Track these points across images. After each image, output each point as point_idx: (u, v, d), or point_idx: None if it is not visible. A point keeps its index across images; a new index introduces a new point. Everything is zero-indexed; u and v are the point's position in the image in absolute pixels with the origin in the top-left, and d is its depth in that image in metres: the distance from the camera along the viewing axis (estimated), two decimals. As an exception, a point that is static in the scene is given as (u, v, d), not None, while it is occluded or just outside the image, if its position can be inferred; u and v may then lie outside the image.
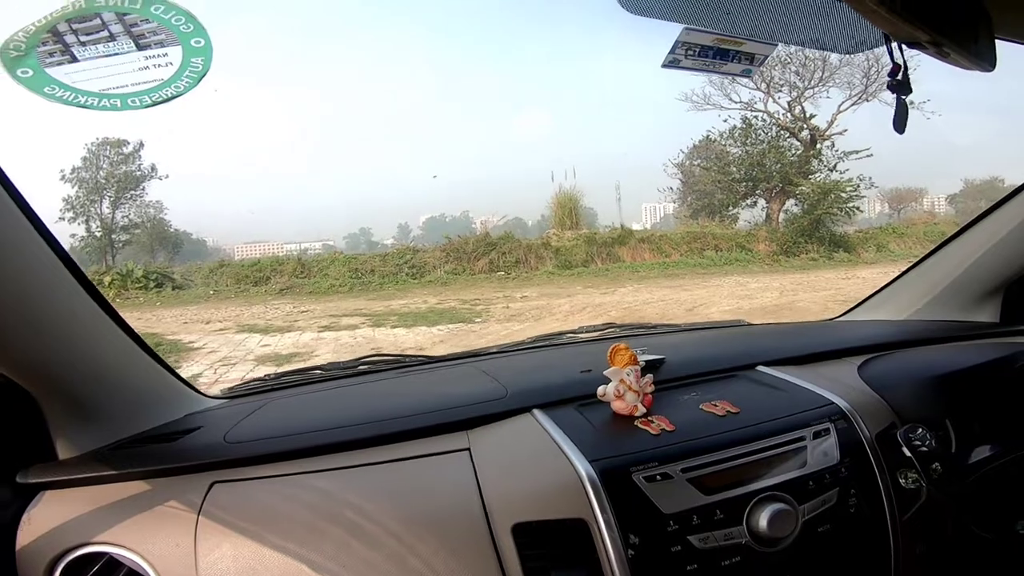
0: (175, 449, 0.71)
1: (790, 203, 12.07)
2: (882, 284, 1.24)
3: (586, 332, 1.20)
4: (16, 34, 0.58)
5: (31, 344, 0.61)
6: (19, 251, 0.57)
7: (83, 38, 0.58)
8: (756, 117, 11.78)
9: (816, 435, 0.71)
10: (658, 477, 0.62)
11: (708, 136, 12.85)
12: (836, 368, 0.90)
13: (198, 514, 0.61)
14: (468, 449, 0.69)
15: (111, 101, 0.60)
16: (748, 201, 12.37)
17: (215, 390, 0.96)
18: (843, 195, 11.04)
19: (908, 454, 0.74)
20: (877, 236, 11.02)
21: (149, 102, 0.61)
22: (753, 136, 11.71)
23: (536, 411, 0.74)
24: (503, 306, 6.87)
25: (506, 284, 9.24)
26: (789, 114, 11.50)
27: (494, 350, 1.14)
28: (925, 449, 0.74)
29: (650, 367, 0.80)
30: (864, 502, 0.70)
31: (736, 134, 12.00)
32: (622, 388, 0.72)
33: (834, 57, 10.89)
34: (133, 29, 0.59)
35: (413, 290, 8.94)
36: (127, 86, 0.60)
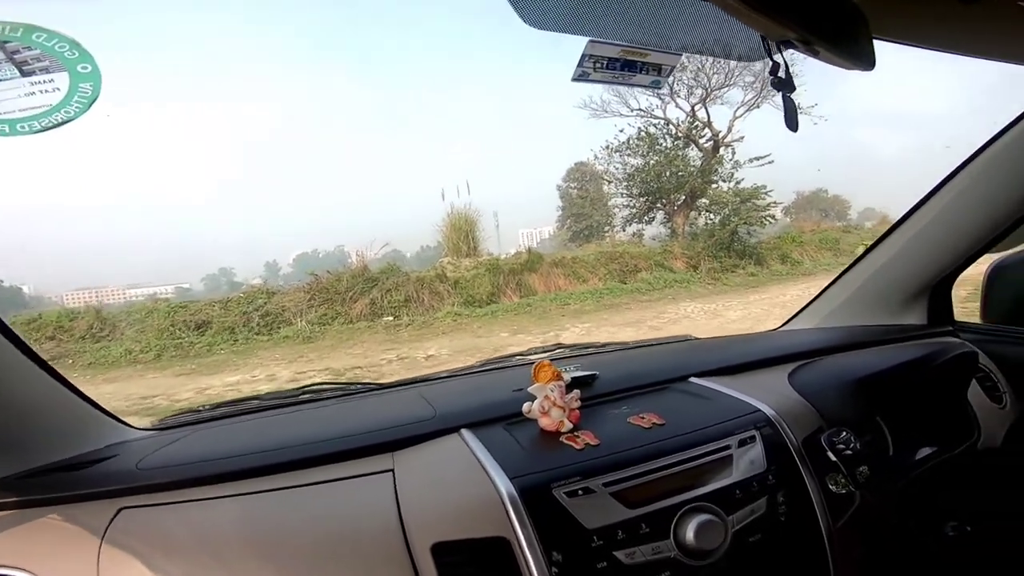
0: (84, 476, 0.75)
1: (694, 215, 12.80)
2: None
3: (536, 353, 1.27)
4: None
5: None
6: None
7: None
8: (655, 125, 12.56)
9: (742, 443, 0.76)
10: (580, 492, 0.66)
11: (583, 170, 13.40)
12: (767, 376, 1.00)
13: (102, 539, 0.65)
14: (392, 470, 0.73)
15: (1, 127, 0.62)
16: (648, 216, 13.15)
17: (147, 422, 0.99)
18: (760, 202, 11.73)
19: (833, 458, 0.79)
20: (779, 245, 12.02)
21: (39, 127, 0.65)
22: (652, 145, 12.45)
23: (464, 431, 0.79)
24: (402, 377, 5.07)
25: (398, 334, 7.89)
26: (692, 118, 12.35)
27: (444, 375, 1.23)
28: (849, 452, 0.80)
29: (580, 383, 0.88)
30: (795, 509, 0.74)
31: (633, 144, 12.68)
32: (547, 404, 0.79)
33: (732, 63, 10.38)
34: (15, 56, 0.63)
35: (259, 352, 7.26)
36: (15, 112, 0.64)
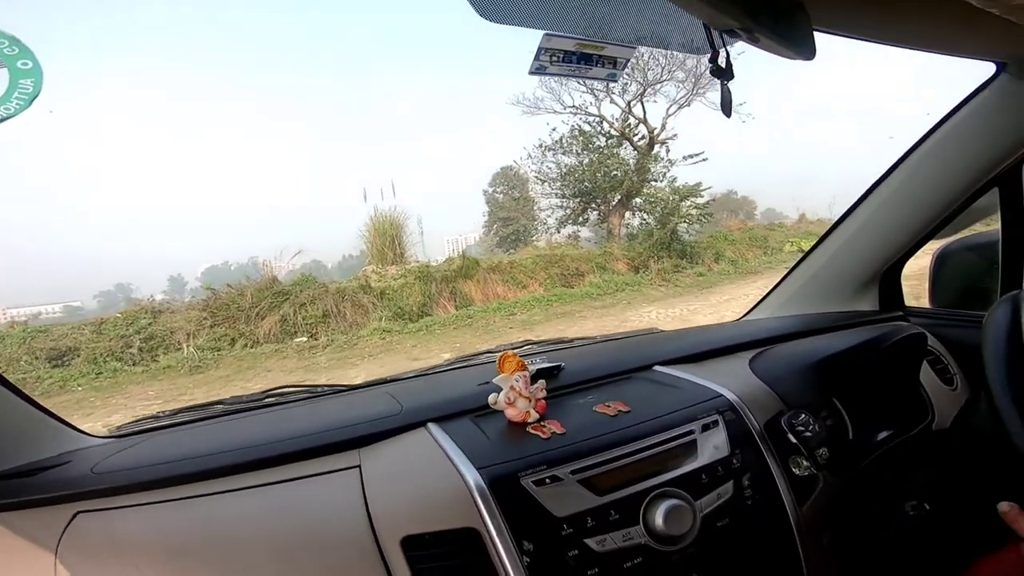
0: (34, 483, 0.76)
1: (629, 215, 13.02)
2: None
3: (503, 350, 1.26)
4: None
5: None
6: None
7: None
8: (589, 123, 12.63)
9: (705, 427, 0.81)
10: (547, 480, 0.69)
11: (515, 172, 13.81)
12: (729, 363, 1.07)
13: (58, 544, 0.66)
14: (358, 466, 0.75)
15: None
16: (583, 217, 13.21)
17: (104, 430, 1.01)
18: (699, 199, 11.91)
19: (793, 440, 0.85)
20: (712, 244, 12.31)
21: None
22: (587, 144, 12.51)
23: (431, 425, 0.82)
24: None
25: (314, 358, 7.01)
26: (628, 114, 12.52)
27: (412, 374, 1.28)
28: (808, 434, 0.85)
29: (546, 374, 0.93)
30: (760, 492, 0.79)
31: (566, 142, 12.70)
32: (512, 395, 0.82)
33: (665, 59, 11.95)
34: None
35: (129, 387, 6.14)
36: None
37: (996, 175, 1.16)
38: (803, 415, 0.87)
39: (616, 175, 12.17)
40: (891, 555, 0.95)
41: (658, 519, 0.69)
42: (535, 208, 13.54)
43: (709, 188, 11.74)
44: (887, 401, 1.00)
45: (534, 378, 0.84)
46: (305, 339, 7.44)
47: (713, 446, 0.79)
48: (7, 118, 0.64)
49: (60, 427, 0.91)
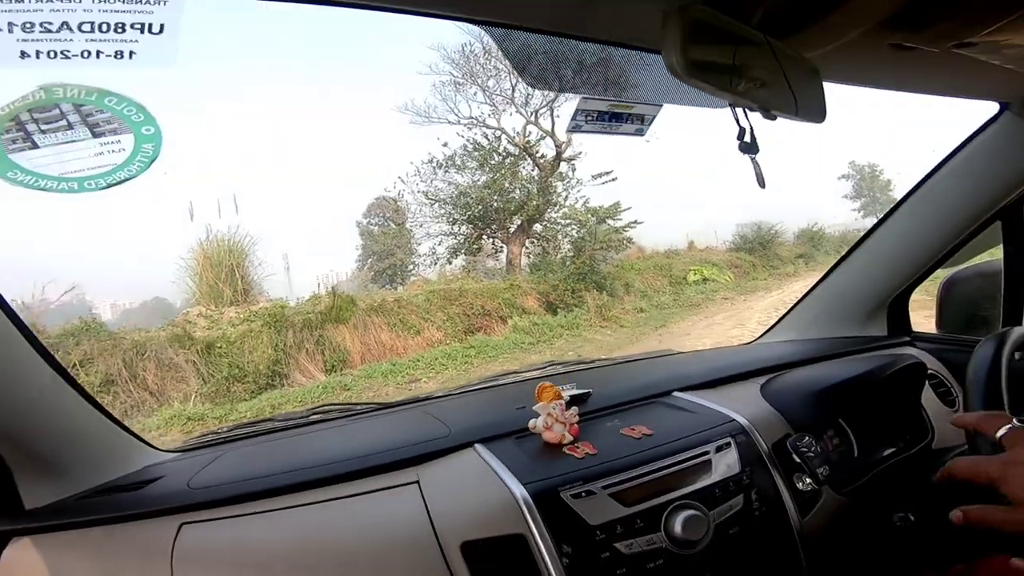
0: (141, 496, 0.91)
1: (530, 242, 12.29)
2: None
3: (528, 371, 1.55)
4: None
5: None
6: None
7: (43, 127, 0.72)
8: (487, 136, 11.87)
9: (719, 449, 1.00)
10: (583, 494, 0.87)
11: (397, 203, 13.14)
12: (742, 389, 1.27)
13: (171, 554, 0.79)
14: (417, 482, 0.93)
15: (69, 184, 0.74)
16: (475, 246, 12.35)
17: (168, 445, 1.19)
18: (617, 222, 11.55)
19: (797, 460, 1.02)
20: (620, 274, 11.77)
21: (104, 184, 0.76)
22: (485, 160, 11.63)
23: (477, 445, 1.01)
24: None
25: None
26: (535, 125, 11.93)
27: (440, 394, 1.50)
28: (811, 454, 1.04)
29: (577, 400, 1.12)
30: (767, 505, 0.97)
31: (458, 160, 11.81)
32: (550, 420, 1.01)
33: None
34: (88, 119, 0.75)
35: None
36: (84, 171, 0.75)
37: (999, 209, 1.35)
38: (806, 438, 1.06)
39: (516, 197, 11.72)
40: (880, 562, 1.11)
41: (677, 527, 0.86)
42: (421, 236, 12.86)
43: (628, 208, 11.13)
44: (889, 422, 1.21)
45: (568, 405, 1.04)
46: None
47: (726, 464, 0.98)
48: (128, 179, 0.75)
49: (135, 442, 1.07)
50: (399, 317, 8.35)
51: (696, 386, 1.25)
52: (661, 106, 1.00)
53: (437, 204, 12.21)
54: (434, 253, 12.60)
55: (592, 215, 11.49)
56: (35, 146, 0.72)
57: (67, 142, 0.72)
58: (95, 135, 0.73)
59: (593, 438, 1.02)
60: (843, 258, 1.61)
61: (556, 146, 11.90)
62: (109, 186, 0.75)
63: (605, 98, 0.95)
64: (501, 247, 12.56)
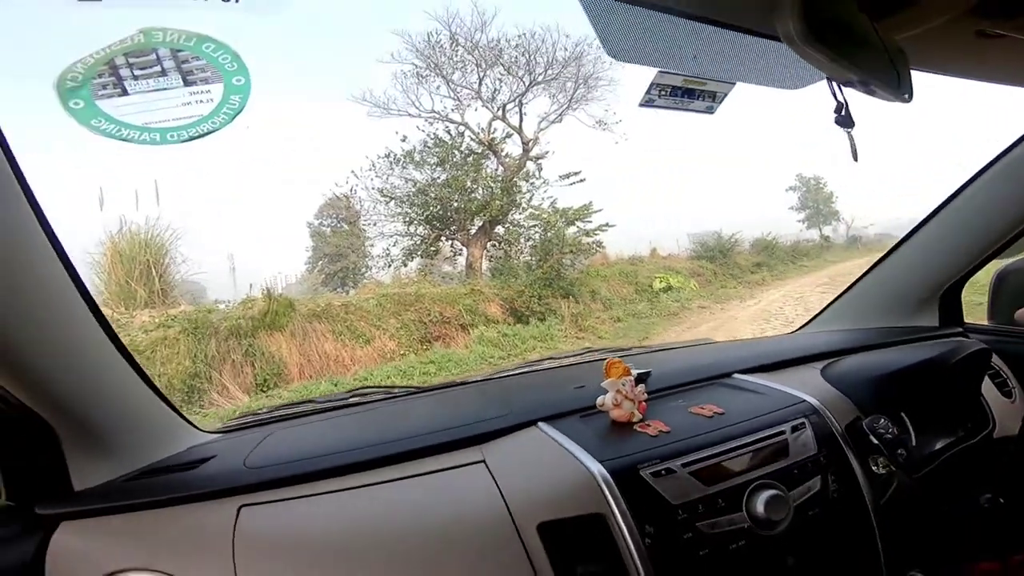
0: (196, 477, 0.89)
1: (491, 244, 11.78)
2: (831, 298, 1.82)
3: (567, 357, 1.54)
4: (74, 64, 0.69)
5: (51, 373, 0.76)
6: (44, 282, 0.73)
7: (137, 72, 0.70)
8: (449, 131, 11.39)
9: (794, 429, 1.01)
10: (663, 472, 0.87)
11: (349, 199, 12.40)
12: (801, 373, 1.28)
13: (233, 537, 0.77)
14: (483, 461, 0.92)
15: (151, 135, 0.71)
16: (432, 247, 11.80)
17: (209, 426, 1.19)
18: (587, 225, 10.99)
19: (875, 441, 1.02)
20: (585, 281, 11.38)
21: (187, 136, 0.73)
22: (446, 156, 11.08)
23: (541, 423, 1.00)
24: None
25: None
26: (502, 120, 11.38)
27: (479, 378, 1.49)
28: (889, 436, 1.03)
29: (639, 379, 1.09)
30: (844, 487, 0.99)
31: (418, 154, 11.20)
32: (619, 397, 0.99)
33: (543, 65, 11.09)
34: (183, 65, 0.72)
35: None
36: (168, 121, 0.72)
37: None
38: (882, 420, 1.06)
39: (478, 197, 11.32)
40: (952, 546, 1.13)
41: (760, 506, 0.87)
42: (375, 236, 12.23)
43: (599, 211, 10.72)
44: (951, 411, 1.23)
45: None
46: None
47: (802, 444, 0.99)
48: (212, 132, 0.70)
49: (180, 422, 1.05)
50: (346, 324, 7.62)
51: (755, 368, 1.26)
52: (734, 84, 1.01)
53: (393, 202, 11.73)
54: (388, 255, 12.14)
55: (560, 216, 11.14)
56: (125, 92, 0.69)
57: (158, 89, 0.70)
58: (187, 83, 0.71)
59: (661, 416, 1.01)
60: (892, 250, 1.66)
61: (523, 143, 11.67)
62: (192, 139, 0.71)
63: (681, 73, 0.96)
64: (461, 250, 12.15)
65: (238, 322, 6.86)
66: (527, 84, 11.24)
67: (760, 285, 14.11)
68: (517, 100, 11.43)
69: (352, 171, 11.67)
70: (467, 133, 11.56)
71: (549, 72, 11.27)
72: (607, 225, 11.34)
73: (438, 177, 11.51)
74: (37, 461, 0.79)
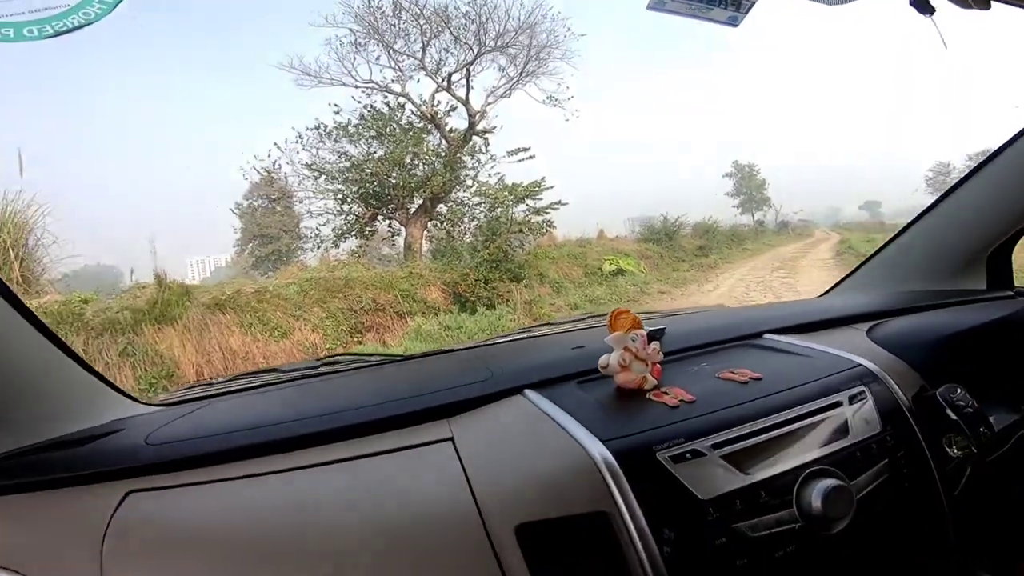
0: (84, 454, 0.76)
1: (434, 223, 10.89)
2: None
3: (567, 322, 1.33)
4: None
5: None
6: None
7: None
8: (388, 104, 10.40)
9: (852, 399, 0.79)
10: (688, 455, 0.67)
11: (272, 175, 10.95)
12: (844, 334, 1.06)
13: (106, 529, 0.64)
14: (451, 439, 0.74)
15: (3, 31, 0.59)
16: (370, 228, 10.82)
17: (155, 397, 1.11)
18: (538, 203, 10.12)
19: (954, 417, 0.81)
20: (533, 263, 10.35)
21: (51, 32, 0.60)
22: (383, 130, 10.00)
23: (528, 391, 0.80)
24: None
25: None
26: (447, 91, 10.52)
27: (469, 344, 1.33)
28: (970, 411, 0.82)
29: (651, 336, 0.87)
30: (916, 475, 0.78)
31: (353, 128, 10.10)
32: (628, 357, 0.78)
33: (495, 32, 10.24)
34: None
35: None
36: (24, 13, 0.59)
37: None
38: (959, 389, 0.87)
39: (418, 173, 10.53)
40: None
41: (816, 500, 0.67)
42: (306, 215, 11.34)
43: (551, 187, 10.12)
44: (1020, 382, 1.04)
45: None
46: None
47: (863, 420, 0.79)
48: (84, 25, 0.60)
49: (110, 393, 0.94)
50: (258, 315, 6.54)
51: (789, 329, 1.05)
52: None
53: (323, 178, 10.88)
54: (318, 235, 11.38)
55: (509, 193, 10.49)
56: None
57: None
58: None
59: (681, 382, 0.81)
60: (930, 207, 1.48)
61: (469, 116, 11.12)
62: (57, 33, 0.58)
63: None
64: (399, 230, 11.47)
65: (116, 315, 5.64)
66: (476, 53, 10.69)
67: (712, 268, 13.95)
68: (464, 69, 10.82)
69: (275, 143, 10.74)
70: (408, 106, 10.96)
71: (499, 42, 10.73)
72: (559, 203, 10.85)
73: (375, 152, 10.82)
74: None
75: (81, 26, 0.58)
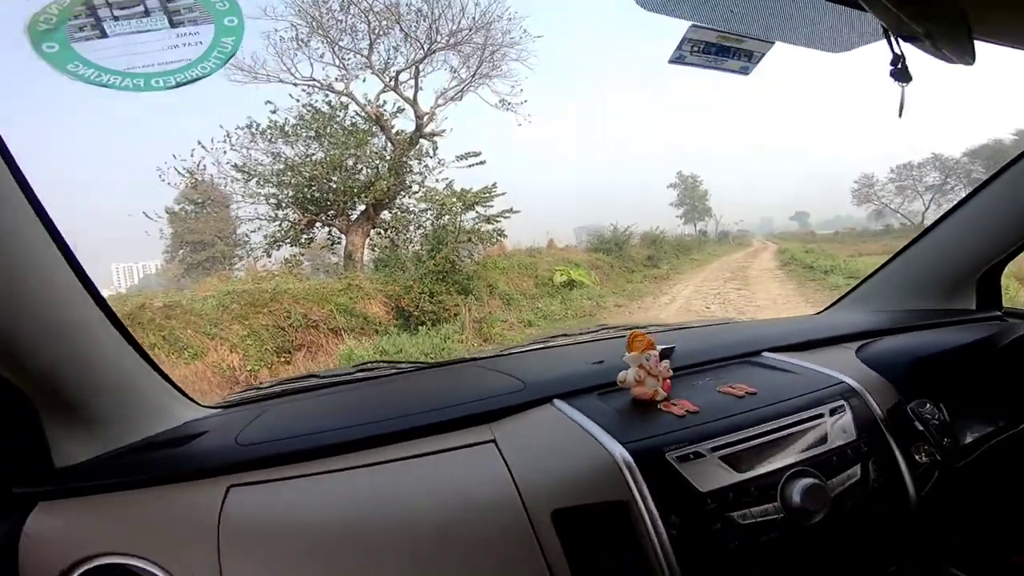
0: (184, 454, 0.84)
1: (376, 232, 10.34)
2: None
3: (582, 333, 1.46)
4: (48, 6, 0.64)
5: (34, 345, 0.72)
6: (29, 251, 0.68)
7: (117, 12, 0.65)
8: (329, 103, 9.69)
9: (833, 412, 0.94)
10: (691, 456, 0.81)
11: (195, 176, 9.57)
12: (835, 353, 1.20)
13: (218, 520, 0.72)
14: (494, 440, 0.86)
15: (135, 81, 0.66)
16: (306, 236, 9.99)
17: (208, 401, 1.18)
18: (488, 210, 9.77)
19: (920, 428, 0.94)
20: (483, 274, 9.87)
21: (173, 83, 0.68)
22: (323, 131, 9.30)
23: (557, 401, 0.92)
24: None
25: None
26: (394, 91, 9.83)
27: (490, 353, 1.48)
28: (936, 423, 0.95)
29: (663, 355, 1.03)
30: (885, 477, 0.91)
31: (290, 127, 9.35)
32: (642, 374, 0.91)
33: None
34: (169, 4, 0.67)
35: None
36: (153, 66, 0.67)
37: None
38: (928, 404, 0.99)
39: (361, 177, 9.89)
40: (999, 542, 1.07)
41: (796, 496, 0.80)
42: (242, 225, 10.45)
43: (502, 194, 9.61)
44: (993, 398, 1.14)
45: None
46: None
47: (841, 429, 0.92)
48: (201, 78, 0.66)
49: (177, 396, 1.02)
50: (163, 333, 5.79)
51: (785, 347, 1.20)
52: (772, 44, 0.93)
53: (254, 181, 9.94)
54: (247, 243, 10.64)
55: (458, 199, 10.03)
56: (103, 35, 0.64)
57: (140, 31, 0.64)
58: (173, 24, 0.65)
59: (687, 395, 0.96)
60: (927, 231, 1.61)
61: (417, 118, 10.61)
62: (178, 85, 0.66)
63: (715, 28, 0.87)
64: (339, 238, 10.86)
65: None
66: (427, 51, 10.16)
67: (665, 279, 13.88)
68: (413, 68, 10.34)
69: (199, 142, 9.66)
70: (352, 106, 10.29)
71: (452, 40, 10.25)
72: (511, 211, 10.59)
73: (313, 153, 10.21)
74: (16, 438, 0.75)
75: (199, 78, 0.64)
